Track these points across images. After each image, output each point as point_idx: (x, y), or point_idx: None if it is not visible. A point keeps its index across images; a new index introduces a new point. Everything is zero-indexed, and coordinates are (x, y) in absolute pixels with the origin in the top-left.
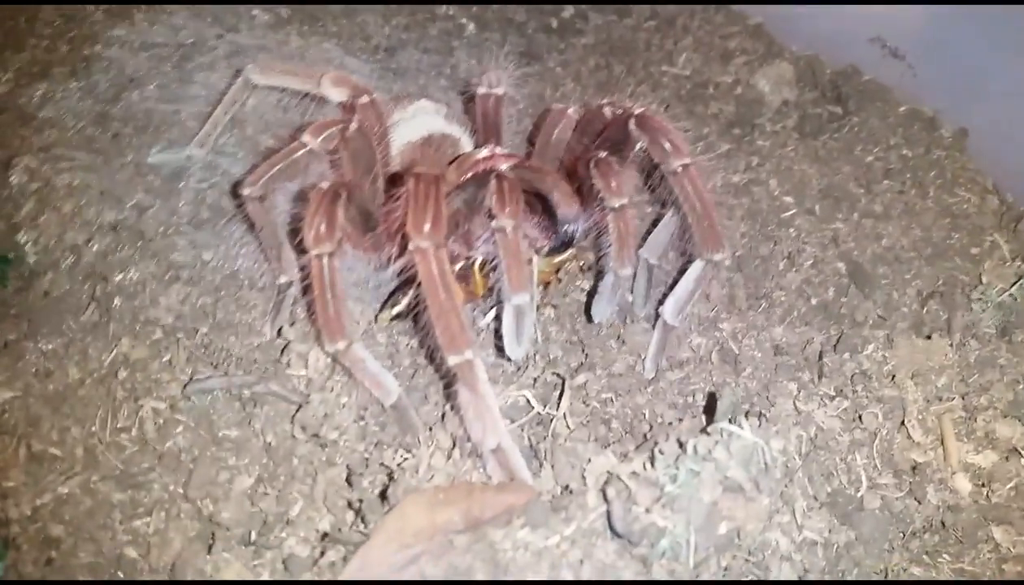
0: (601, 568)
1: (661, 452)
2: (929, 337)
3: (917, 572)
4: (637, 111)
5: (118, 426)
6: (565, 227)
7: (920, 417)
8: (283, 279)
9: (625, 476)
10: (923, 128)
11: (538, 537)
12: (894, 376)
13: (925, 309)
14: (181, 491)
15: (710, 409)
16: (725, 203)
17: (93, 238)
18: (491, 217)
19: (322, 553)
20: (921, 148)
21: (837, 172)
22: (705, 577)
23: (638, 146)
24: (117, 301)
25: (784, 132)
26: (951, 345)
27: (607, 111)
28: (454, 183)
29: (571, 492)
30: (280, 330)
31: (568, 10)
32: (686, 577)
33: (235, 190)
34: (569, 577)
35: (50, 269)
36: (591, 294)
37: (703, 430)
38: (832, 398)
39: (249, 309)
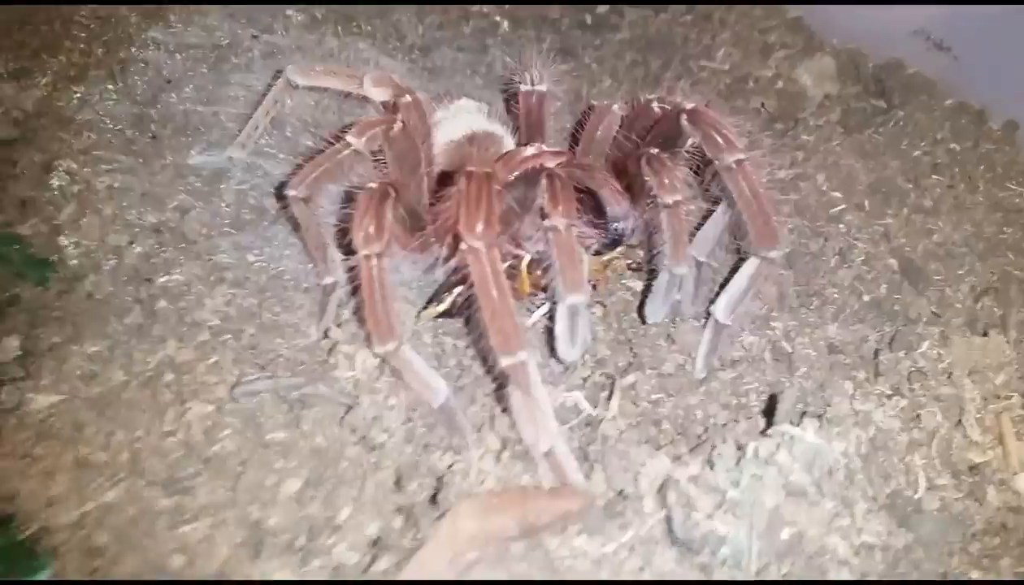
0: (661, 577)
1: (720, 455)
2: (985, 334)
3: (976, 575)
4: (689, 106)
5: (164, 430)
6: (614, 225)
7: (978, 416)
8: (328, 280)
9: (684, 481)
10: (971, 121)
11: (595, 545)
12: (951, 374)
13: (979, 305)
14: (228, 496)
15: (770, 410)
16: (773, 199)
17: (135, 240)
18: (543, 216)
19: (373, 560)
20: (969, 142)
21: (884, 167)
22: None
23: (690, 142)
24: (162, 303)
25: (828, 126)
26: (1008, 342)
27: (655, 107)
28: (502, 181)
29: (626, 497)
30: (327, 331)
31: (603, 6)
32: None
33: (279, 191)
34: None
35: (92, 272)
36: (644, 293)
37: (763, 432)
38: (889, 397)
39: (295, 310)
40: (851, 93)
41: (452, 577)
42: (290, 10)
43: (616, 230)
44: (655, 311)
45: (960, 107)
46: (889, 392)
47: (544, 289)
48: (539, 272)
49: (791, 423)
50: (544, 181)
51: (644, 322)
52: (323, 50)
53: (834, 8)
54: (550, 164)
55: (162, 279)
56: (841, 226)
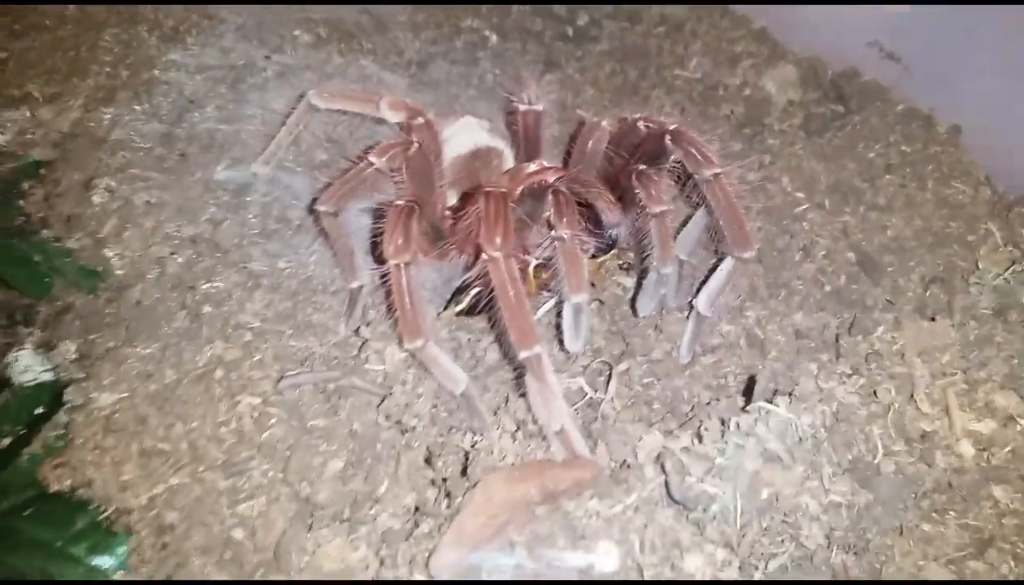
0: (662, 531)
1: (706, 430)
2: (933, 319)
3: (927, 528)
4: (671, 127)
5: (218, 421)
6: (609, 232)
7: (927, 391)
8: (355, 284)
9: (678, 451)
10: (920, 125)
11: (605, 506)
12: (903, 354)
13: (928, 293)
14: (280, 476)
15: (748, 390)
16: (744, 201)
17: (176, 251)
18: (550, 227)
19: (415, 525)
20: (919, 144)
21: (843, 168)
22: (749, 536)
23: (672, 158)
24: (207, 308)
25: (791, 131)
26: (953, 325)
27: (641, 126)
28: (512, 197)
29: (628, 466)
30: (358, 330)
31: (583, 18)
32: (733, 537)
33: (302, 203)
34: (636, 541)
35: (139, 280)
36: (635, 289)
37: (743, 409)
38: (849, 376)
39: (325, 311)
40: (812, 98)
41: (488, 535)
42: (297, 31)
43: (611, 236)
44: (645, 305)
45: (910, 112)
46: (849, 372)
47: (548, 288)
48: (544, 275)
49: (766, 401)
50: (551, 197)
51: (636, 315)
52: (330, 68)
53: (797, 19)
54: (551, 179)
55: (204, 286)
56: (804, 224)
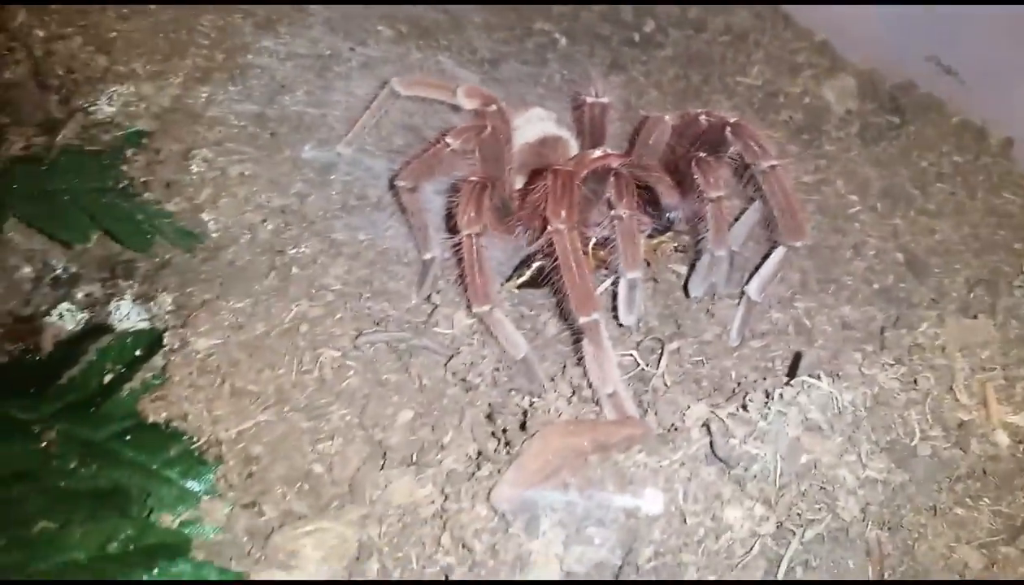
0: (705, 485)
1: (751, 400)
2: (975, 317)
3: (960, 512)
4: (732, 120)
5: (302, 369)
6: (667, 214)
7: (966, 383)
8: (428, 255)
9: (724, 416)
10: (972, 138)
11: (653, 460)
12: (944, 348)
13: (972, 294)
14: (356, 421)
15: (793, 367)
16: (800, 198)
17: (266, 219)
18: (610, 207)
19: (478, 468)
20: (971, 155)
21: (896, 175)
22: (787, 497)
23: (732, 149)
24: (294, 270)
25: (848, 138)
26: (994, 324)
27: (703, 120)
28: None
29: (675, 429)
30: (429, 297)
31: (649, 25)
32: (772, 495)
33: (381, 182)
34: (680, 491)
35: (232, 243)
36: (688, 274)
37: (787, 382)
38: (891, 365)
39: (399, 280)
40: (869, 109)
41: (544, 476)
42: (380, 26)
43: (668, 218)
44: (696, 286)
45: (964, 125)
46: (891, 362)
47: (606, 266)
48: (602, 253)
49: (809, 376)
50: (612, 179)
51: (688, 296)
52: (409, 61)
53: (858, 34)
54: (615, 164)
55: (291, 251)
56: (856, 224)
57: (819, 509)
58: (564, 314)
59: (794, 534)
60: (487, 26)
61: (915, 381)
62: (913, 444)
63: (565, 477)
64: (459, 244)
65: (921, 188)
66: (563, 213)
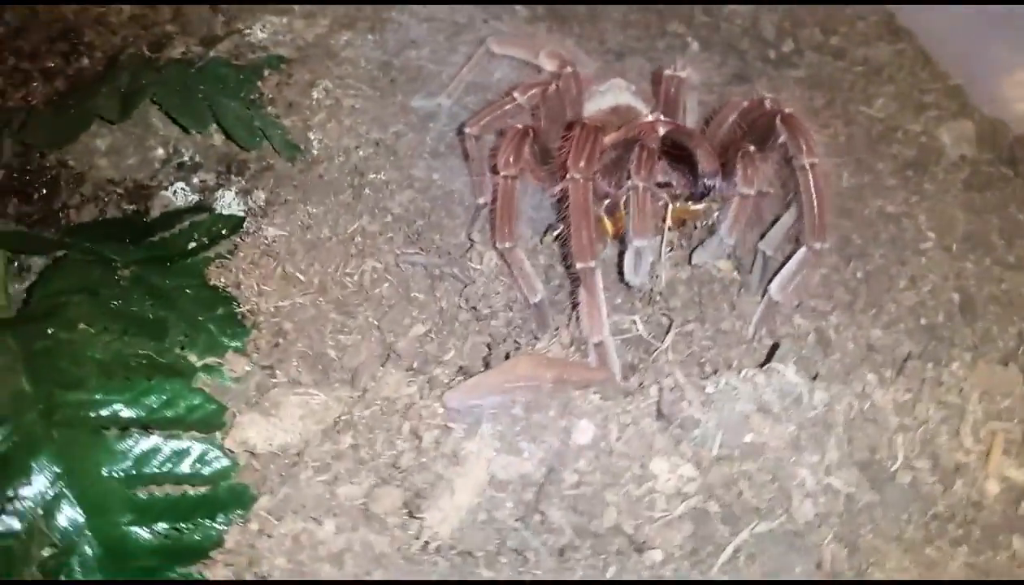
0: (642, 433)
1: (718, 374)
2: (1006, 364)
3: (930, 552)
4: (787, 110)
5: (346, 272)
6: (703, 180)
7: (975, 427)
8: (481, 200)
9: (682, 378)
10: None
11: (603, 403)
12: (962, 390)
13: (1021, 349)
14: (375, 323)
15: (770, 355)
16: (873, 226)
17: (361, 147)
18: (628, 176)
19: (454, 379)
20: None
21: (986, 223)
22: (724, 469)
23: (779, 139)
24: (367, 191)
25: (951, 180)
26: None
27: (767, 104)
28: (619, 140)
29: (641, 386)
30: (472, 237)
31: (788, 45)
32: (705, 460)
33: (459, 129)
34: (615, 431)
35: (327, 161)
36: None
37: (759, 366)
38: (896, 389)
39: (454, 218)
40: (984, 158)
41: (497, 390)
42: (518, 6)
43: (704, 185)
44: (699, 256)
45: None
46: (899, 388)
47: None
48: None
49: (778, 363)
50: (636, 149)
51: (690, 263)
52: (534, 41)
53: (994, 84)
54: (662, 130)
55: (371, 176)
56: (923, 259)
57: (769, 500)
58: (566, 260)
59: (739, 519)
60: (623, 22)
61: (914, 409)
62: (893, 468)
63: (516, 396)
64: (496, 184)
65: (1007, 240)
66: (581, 163)
